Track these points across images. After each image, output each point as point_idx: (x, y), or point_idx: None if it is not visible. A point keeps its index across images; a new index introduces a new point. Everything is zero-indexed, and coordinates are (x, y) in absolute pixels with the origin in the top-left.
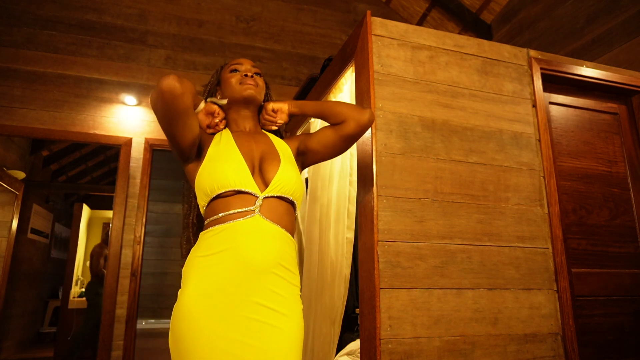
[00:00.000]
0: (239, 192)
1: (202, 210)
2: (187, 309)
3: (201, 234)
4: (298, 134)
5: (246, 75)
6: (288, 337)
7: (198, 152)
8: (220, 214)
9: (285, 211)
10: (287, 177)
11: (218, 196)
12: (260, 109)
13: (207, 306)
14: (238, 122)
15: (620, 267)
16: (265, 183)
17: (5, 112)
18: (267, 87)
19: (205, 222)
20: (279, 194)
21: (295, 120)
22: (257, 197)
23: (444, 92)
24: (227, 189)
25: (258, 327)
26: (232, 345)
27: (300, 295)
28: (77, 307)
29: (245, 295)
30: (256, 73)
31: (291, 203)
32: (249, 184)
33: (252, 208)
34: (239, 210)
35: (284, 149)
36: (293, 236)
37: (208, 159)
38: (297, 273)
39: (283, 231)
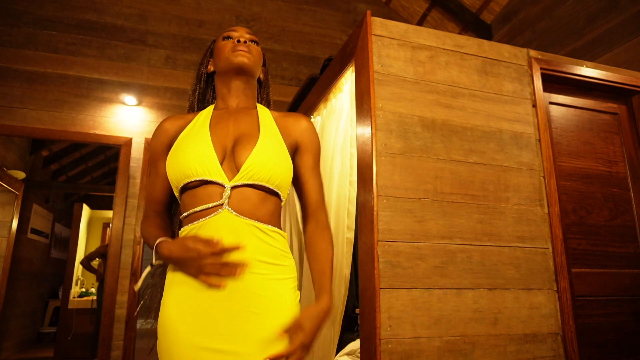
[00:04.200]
0: (206, 182)
1: (179, 201)
2: (165, 318)
3: (180, 232)
4: None
5: (239, 42)
6: (269, 339)
7: None
8: (189, 211)
9: (261, 200)
10: (261, 160)
11: (185, 187)
12: (259, 90)
13: (184, 316)
14: (225, 97)
15: (620, 267)
16: (236, 169)
17: (5, 112)
18: (264, 62)
19: (181, 217)
20: (250, 182)
21: None
22: (225, 187)
23: (444, 92)
24: (191, 179)
25: (234, 331)
26: (206, 355)
27: (298, 287)
28: (77, 307)
29: (221, 301)
30: (252, 40)
31: (270, 191)
32: (214, 172)
33: (219, 202)
34: (206, 206)
35: (269, 127)
36: (276, 224)
37: (175, 146)
38: (287, 263)
39: (258, 224)
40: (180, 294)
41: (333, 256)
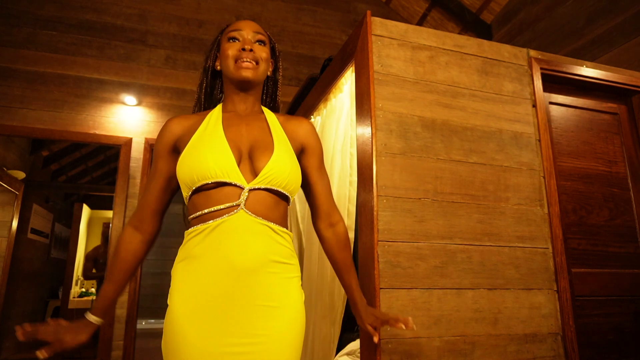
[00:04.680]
0: (223, 183)
1: (185, 202)
2: (175, 321)
3: (185, 232)
4: None
5: (244, 50)
6: (282, 332)
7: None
8: (202, 211)
9: (275, 203)
10: (279, 167)
11: (199, 188)
12: (267, 82)
13: (195, 318)
14: (234, 100)
15: (620, 267)
16: (254, 173)
17: (5, 112)
18: (275, 54)
19: (189, 218)
20: (268, 186)
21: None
22: (243, 188)
23: (444, 92)
24: (209, 181)
25: (252, 326)
26: (222, 358)
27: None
28: (77, 307)
29: (234, 298)
30: (259, 41)
31: (282, 195)
32: (233, 174)
33: (236, 203)
34: (222, 206)
35: (279, 134)
36: (286, 226)
37: (190, 146)
38: (294, 262)
39: (272, 225)
40: (187, 293)
41: (352, 256)
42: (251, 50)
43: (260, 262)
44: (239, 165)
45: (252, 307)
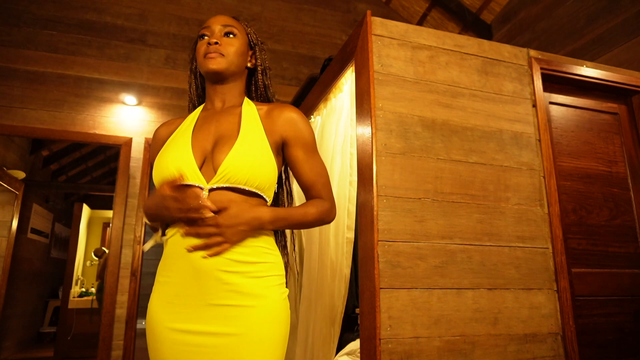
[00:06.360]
0: (185, 186)
1: None
2: (150, 311)
3: (166, 231)
4: None
5: (209, 44)
6: (257, 330)
7: None
8: None
9: (242, 201)
10: (237, 164)
11: None
12: (251, 75)
13: (164, 306)
14: (212, 98)
15: (620, 267)
16: (214, 172)
17: (5, 112)
18: (252, 46)
19: None
20: (227, 185)
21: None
22: (203, 189)
23: (444, 92)
24: None
25: (217, 328)
26: (179, 336)
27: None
28: (77, 307)
29: (201, 299)
30: (227, 34)
31: (250, 192)
32: (192, 175)
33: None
34: None
35: (251, 128)
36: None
37: (160, 151)
38: (270, 260)
39: None
40: (162, 290)
41: (311, 214)
42: (216, 43)
43: (220, 263)
44: (202, 165)
45: (216, 307)
